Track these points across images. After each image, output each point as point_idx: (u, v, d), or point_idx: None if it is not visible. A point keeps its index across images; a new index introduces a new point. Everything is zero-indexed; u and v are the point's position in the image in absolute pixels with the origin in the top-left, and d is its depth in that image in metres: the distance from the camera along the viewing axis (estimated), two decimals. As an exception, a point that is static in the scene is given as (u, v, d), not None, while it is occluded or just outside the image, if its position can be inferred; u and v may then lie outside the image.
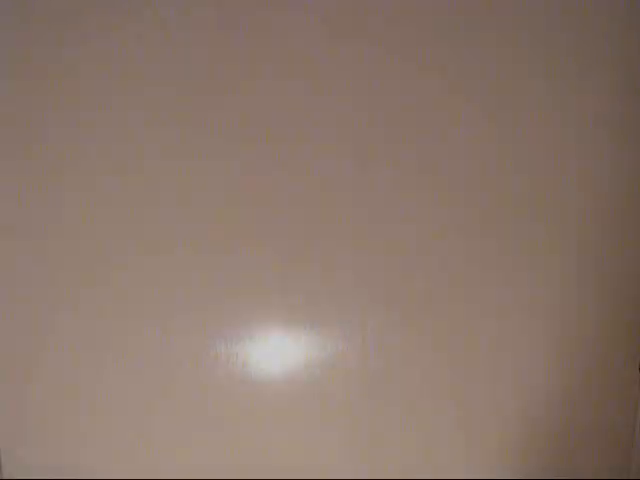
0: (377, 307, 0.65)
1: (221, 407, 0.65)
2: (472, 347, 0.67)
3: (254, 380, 0.65)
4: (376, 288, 0.65)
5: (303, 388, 0.66)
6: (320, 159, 0.62)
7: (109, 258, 0.62)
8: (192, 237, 0.62)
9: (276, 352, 0.65)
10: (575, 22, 0.62)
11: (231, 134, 0.61)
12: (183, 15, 0.59)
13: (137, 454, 0.66)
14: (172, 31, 0.59)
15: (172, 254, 0.63)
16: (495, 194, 0.65)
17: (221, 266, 0.63)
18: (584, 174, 0.65)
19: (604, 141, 0.65)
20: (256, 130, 0.61)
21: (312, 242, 0.64)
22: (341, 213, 0.64)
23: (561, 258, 0.67)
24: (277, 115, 0.61)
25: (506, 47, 0.62)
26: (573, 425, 0.71)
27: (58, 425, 0.65)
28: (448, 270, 0.66)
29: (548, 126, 0.64)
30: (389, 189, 0.64)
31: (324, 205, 0.63)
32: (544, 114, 0.64)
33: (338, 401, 0.67)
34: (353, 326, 0.66)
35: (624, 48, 0.63)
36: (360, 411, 0.67)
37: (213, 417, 0.65)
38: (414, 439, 0.69)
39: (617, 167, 0.66)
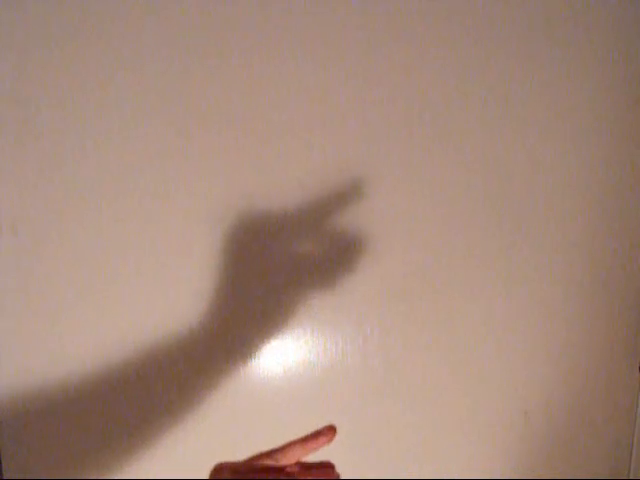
0: (377, 307, 0.65)
1: (220, 407, 0.65)
2: (472, 347, 0.68)
3: (254, 380, 0.65)
4: (377, 288, 0.65)
5: (303, 388, 0.66)
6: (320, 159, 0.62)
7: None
8: (190, 238, 0.62)
9: (276, 352, 0.65)
10: (575, 19, 0.63)
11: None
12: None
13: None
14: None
15: (174, 254, 0.63)
16: (498, 193, 0.65)
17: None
18: (584, 172, 0.66)
19: (604, 140, 0.65)
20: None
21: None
22: (341, 213, 0.64)
23: (562, 259, 0.67)
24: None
25: (507, 43, 0.62)
26: (573, 425, 0.71)
27: (58, 423, 0.65)
28: (449, 271, 0.66)
29: (548, 124, 0.64)
30: (388, 190, 0.64)
31: (324, 208, 0.63)
32: (546, 112, 0.64)
33: (338, 401, 0.67)
34: (353, 326, 0.66)
35: (623, 48, 0.63)
36: (360, 411, 0.67)
37: (212, 417, 0.65)
38: (414, 439, 0.69)
39: (620, 165, 0.66)
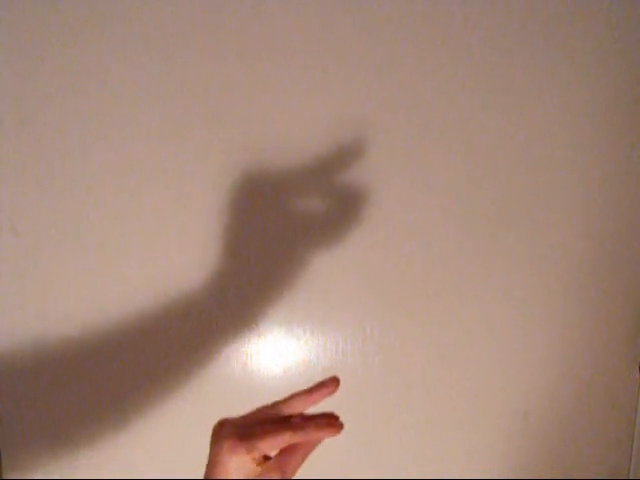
0: (377, 307, 0.66)
1: (220, 407, 0.65)
2: (472, 347, 0.68)
3: (254, 380, 0.65)
4: (376, 287, 0.65)
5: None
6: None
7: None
8: (189, 235, 0.62)
9: (276, 352, 0.65)
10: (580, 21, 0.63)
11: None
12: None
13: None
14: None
15: (177, 254, 0.63)
16: (498, 194, 0.65)
17: (222, 268, 0.63)
18: (584, 173, 0.66)
19: (605, 141, 0.65)
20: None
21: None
22: (341, 213, 0.64)
23: (562, 258, 0.67)
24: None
25: (509, 43, 0.62)
26: (573, 425, 0.71)
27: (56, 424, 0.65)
28: (449, 271, 0.66)
29: (551, 127, 0.64)
30: (388, 193, 0.64)
31: (324, 209, 0.63)
32: (548, 115, 0.64)
33: (338, 401, 0.66)
34: (353, 326, 0.66)
35: (623, 48, 0.63)
36: (360, 411, 0.67)
37: (212, 417, 0.65)
38: (414, 439, 0.69)
39: (620, 168, 0.66)
